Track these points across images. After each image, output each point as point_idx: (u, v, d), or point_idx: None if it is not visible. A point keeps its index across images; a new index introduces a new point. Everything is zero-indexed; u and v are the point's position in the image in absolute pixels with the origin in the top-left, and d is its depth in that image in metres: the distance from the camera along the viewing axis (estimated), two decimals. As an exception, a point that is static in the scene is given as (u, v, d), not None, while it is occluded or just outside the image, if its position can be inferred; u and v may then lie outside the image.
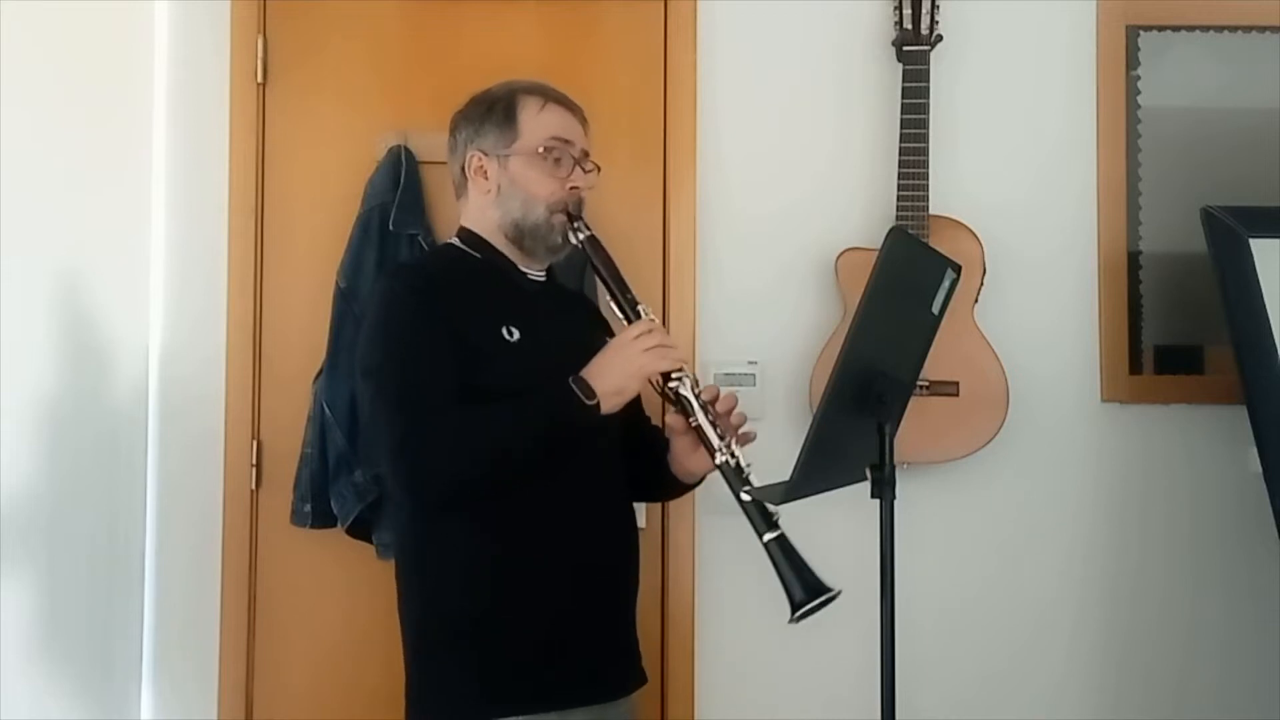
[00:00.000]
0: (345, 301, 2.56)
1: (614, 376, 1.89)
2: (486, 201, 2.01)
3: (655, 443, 2.12)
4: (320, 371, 2.58)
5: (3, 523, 2.06)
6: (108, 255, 2.52)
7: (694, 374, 1.96)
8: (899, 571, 1.79)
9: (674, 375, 1.93)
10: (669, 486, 2.13)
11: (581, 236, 1.98)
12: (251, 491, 2.68)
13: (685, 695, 2.66)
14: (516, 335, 1.92)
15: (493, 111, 2.02)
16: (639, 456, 2.09)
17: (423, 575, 1.95)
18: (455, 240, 2.06)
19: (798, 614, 1.83)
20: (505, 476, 1.87)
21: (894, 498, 1.78)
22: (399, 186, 2.59)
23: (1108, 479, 2.73)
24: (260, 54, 2.72)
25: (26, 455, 2.16)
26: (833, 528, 2.47)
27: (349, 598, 2.64)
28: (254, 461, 2.68)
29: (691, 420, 1.93)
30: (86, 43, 2.42)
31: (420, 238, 2.57)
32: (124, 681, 2.59)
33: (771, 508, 1.87)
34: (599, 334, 2.12)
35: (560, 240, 2.00)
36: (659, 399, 2.00)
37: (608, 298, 1.99)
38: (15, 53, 2.08)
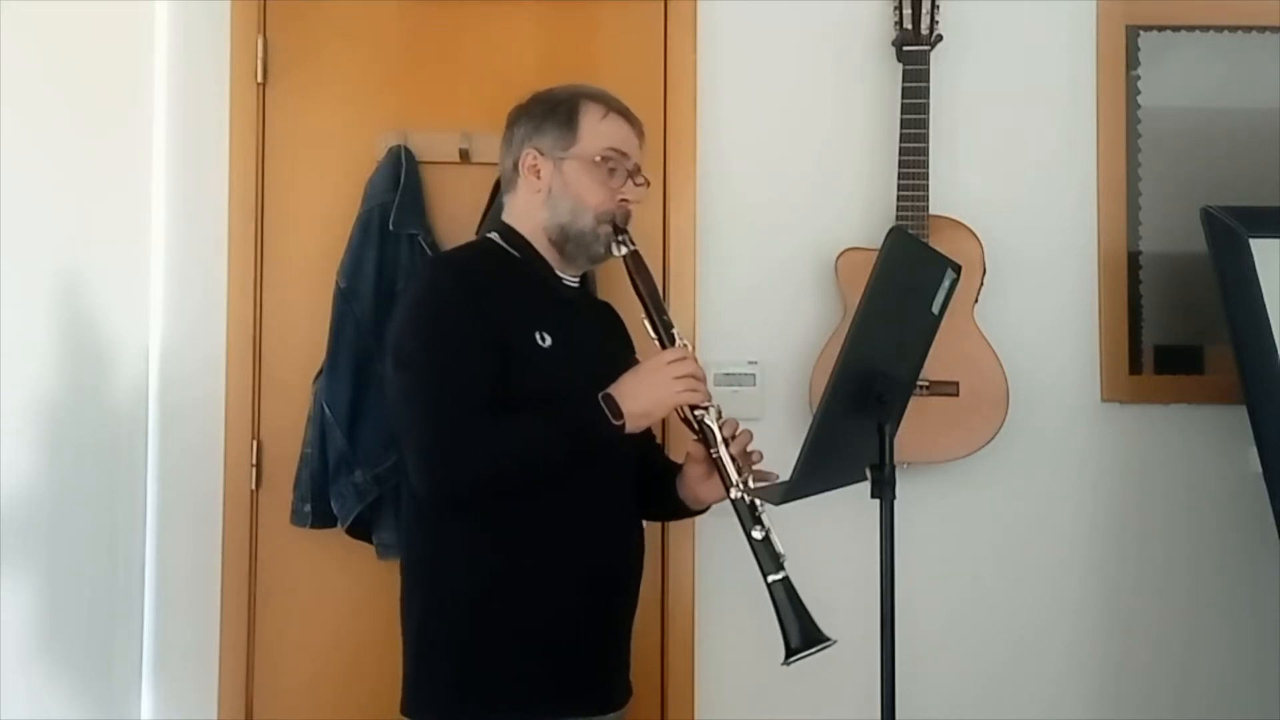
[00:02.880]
0: (345, 301, 2.56)
1: (643, 400, 1.90)
2: (536, 201, 2.01)
3: (663, 463, 2.13)
4: (320, 371, 2.57)
5: (3, 523, 2.06)
6: (108, 255, 2.52)
7: (718, 405, 1.97)
8: (899, 571, 1.80)
9: (700, 404, 1.95)
10: (673, 509, 2.14)
11: (625, 251, 1.98)
12: (251, 491, 2.68)
13: (685, 696, 2.66)
14: (549, 342, 1.91)
15: (555, 112, 2.02)
16: (648, 475, 2.09)
17: (427, 576, 1.95)
18: (495, 236, 2.05)
19: (792, 659, 1.84)
20: (523, 483, 1.87)
21: (894, 498, 1.78)
22: (399, 186, 2.58)
23: (1108, 479, 2.73)
24: (260, 54, 2.72)
25: (26, 455, 2.16)
26: (833, 528, 2.48)
27: (349, 598, 2.64)
28: (254, 462, 2.68)
29: (713, 451, 1.93)
30: (87, 43, 2.42)
31: (420, 238, 2.57)
32: (124, 681, 2.59)
33: (779, 549, 1.88)
34: (625, 346, 2.15)
35: (603, 251, 2.01)
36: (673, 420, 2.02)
37: (642, 315, 1.99)
38: (15, 53, 2.08)
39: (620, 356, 2.09)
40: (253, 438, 2.69)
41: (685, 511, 2.14)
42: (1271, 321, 2.38)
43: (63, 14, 2.29)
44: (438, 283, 1.95)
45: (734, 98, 2.75)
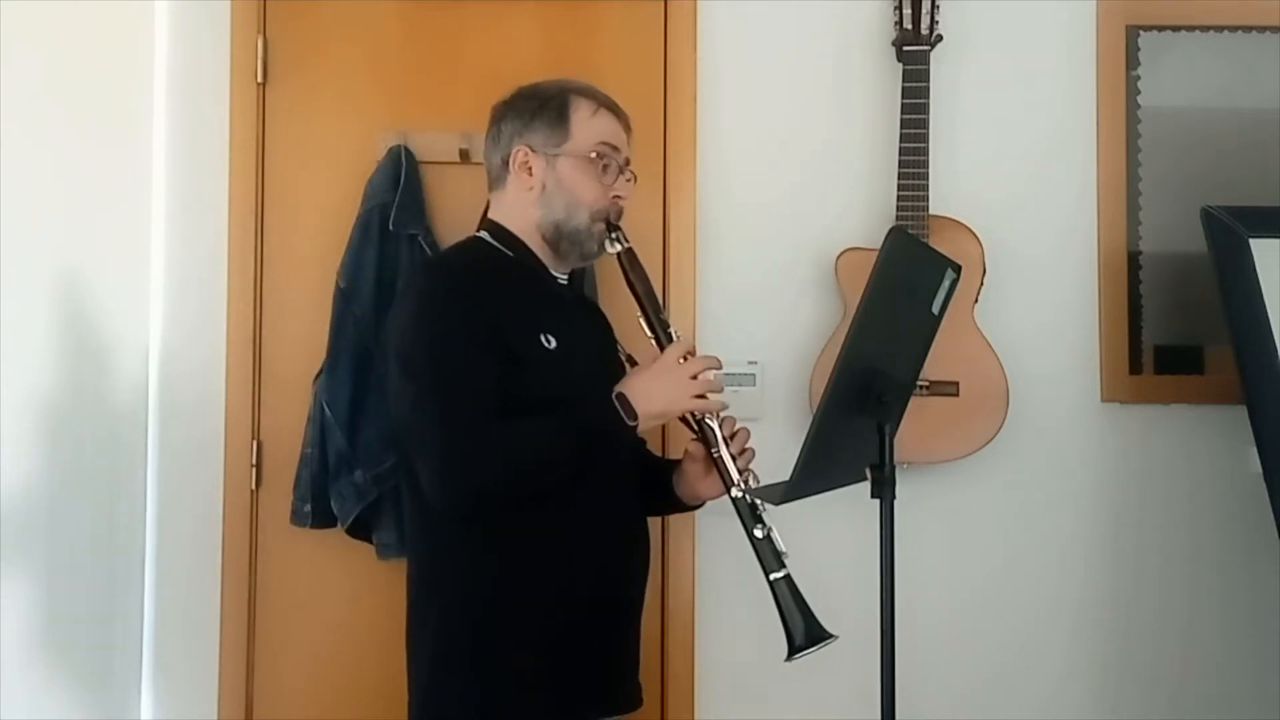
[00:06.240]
0: (345, 301, 2.56)
1: (658, 402, 1.89)
2: (528, 199, 2.00)
3: (653, 458, 2.14)
4: (320, 371, 2.57)
5: (3, 523, 2.06)
6: (108, 255, 2.52)
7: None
8: (899, 571, 1.80)
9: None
10: (669, 504, 2.14)
11: (619, 249, 1.98)
12: (251, 491, 2.68)
13: (685, 696, 2.66)
14: (554, 343, 1.90)
15: (545, 108, 2.01)
16: (642, 471, 2.09)
17: (438, 590, 1.92)
18: (485, 235, 2.04)
19: (795, 656, 1.84)
20: (537, 489, 1.85)
21: (894, 498, 1.78)
22: (399, 186, 2.58)
23: (1108, 479, 2.73)
24: (260, 54, 2.72)
25: (26, 455, 2.16)
26: (833, 528, 2.48)
27: (349, 598, 2.64)
28: (254, 461, 2.68)
29: (713, 451, 1.94)
30: (86, 43, 2.42)
31: (420, 238, 2.57)
32: (124, 681, 2.59)
33: (781, 547, 1.88)
34: (615, 343, 2.15)
35: (596, 248, 2.01)
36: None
37: (637, 314, 1.98)
38: (14, 53, 2.08)
39: (615, 356, 2.09)
40: (253, 438, 2.68)
41: (681, 507, 2.14)
42: (1271, 321, 2.38)
43: (62, 14, 2.29)
44: (438, 286, 1.94)
45: (734, 98, 2.75)
